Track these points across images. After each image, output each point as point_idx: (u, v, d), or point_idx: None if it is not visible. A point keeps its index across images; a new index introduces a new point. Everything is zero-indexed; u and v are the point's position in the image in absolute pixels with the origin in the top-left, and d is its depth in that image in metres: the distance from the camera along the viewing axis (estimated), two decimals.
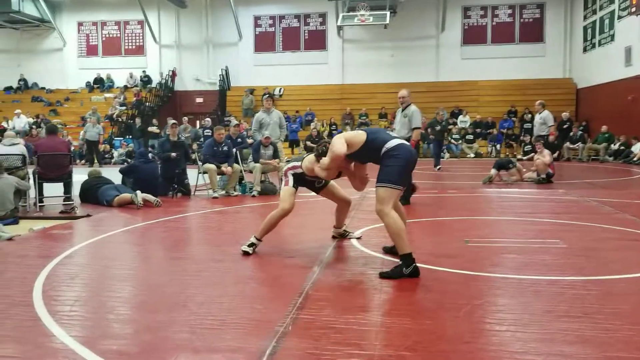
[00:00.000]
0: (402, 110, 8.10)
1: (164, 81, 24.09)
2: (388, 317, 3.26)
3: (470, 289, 3.82)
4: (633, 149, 16.32)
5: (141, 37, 25.04)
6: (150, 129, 20.20)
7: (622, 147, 16.85)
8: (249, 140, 10.85)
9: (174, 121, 10.37)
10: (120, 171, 9.62)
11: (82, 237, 5.90)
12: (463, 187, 10.38)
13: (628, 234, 5.72)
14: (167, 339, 2.95)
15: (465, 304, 3.47)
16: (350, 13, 21.01)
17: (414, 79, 22.49)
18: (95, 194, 8.34)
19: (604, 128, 17.76)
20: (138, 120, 20.47)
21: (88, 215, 7.27)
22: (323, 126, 21.07)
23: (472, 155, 19.74)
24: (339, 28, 22.80)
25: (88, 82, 24.89)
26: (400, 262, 4.08)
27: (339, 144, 4.29)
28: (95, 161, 17.96)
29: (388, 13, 20.63)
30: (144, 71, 24.59)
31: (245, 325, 3.13)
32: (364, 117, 21.71)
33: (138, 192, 8.05)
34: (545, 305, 3.44)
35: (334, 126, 21.39)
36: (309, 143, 19.55)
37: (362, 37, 23.40)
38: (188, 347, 2.83)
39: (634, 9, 16.14)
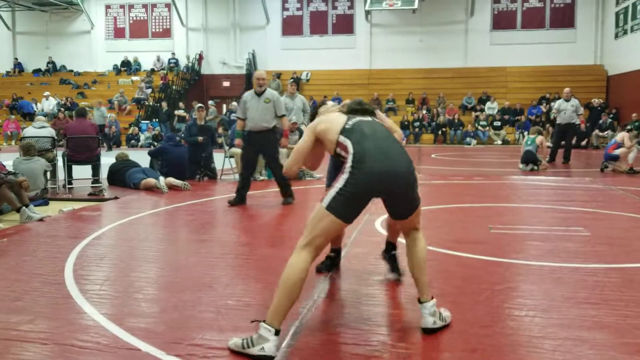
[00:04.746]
0: (259, 95, 6.86)
1: (190, 64, 24.25)
2: (410, 301, 3.31)
3: (492, 275, 3.84)
4: None
5: (168, 20, 25.19)
6: (177, 112, 20.43)
7: (629, 135, 16.42)
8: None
9: (200, 105, 10.48)
10: (149, 154, 9.79)
11: (110, 219, 6.06)
12: (489, 174, 10.29)
13: None
14: (193, 317, 3.05)
15: (486, 289, 3.50)
16: None
17: (442, 64, 22.30)
18: (122, 176, 8.52)
19: (634, 116, 17.36)
20: (164, 104, 20.72)
21: (116, 198, 7.44)
22: None
23: (500, 142, 19.50)
24: (367, 12, 22.61)
25: (115, 64, 25.18)
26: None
27: None
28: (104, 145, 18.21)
29: None
30: (173, 54, 24.79)
31: (269, 306, 3.20)
32: (391, 103, 21.58)
33: (161, 177, 8.20)
34: (565, 292, 3.45)
35: None
36: None
37: (390, 22, 23.16)
38: (213, 325, 2.93)
39: None
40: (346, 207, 2.68)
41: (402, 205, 2.87)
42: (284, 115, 7.03)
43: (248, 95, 6.96)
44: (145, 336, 2.79)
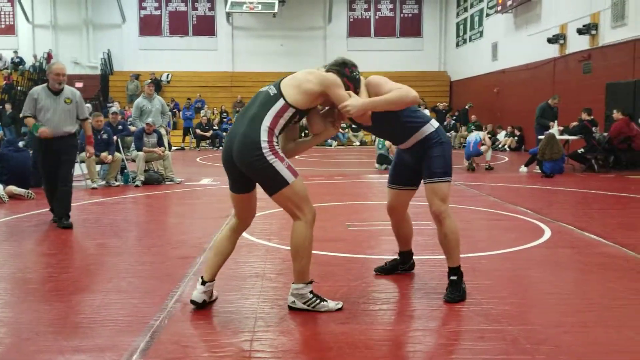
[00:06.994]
0: (57, 93, 5.70)
1: (38, 64, 22.36)
2: (267, 303, 3.28)
3: (349, 272, 3.95)
4: (498, 137, 17.74)
5: (11, 16, 23.05)
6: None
7: (489, 136, 18.15)
8: (132, 128, 10.39)
9: None
10: None
11: None
12: (348, 174, 10.67)
13: (492, 215, 6.20)
14: (30, 340, 2.76)
15: (343, 286, 3.58)
16: (239, 0, 20.75)
17: (302, 68, 22.57)
18: None
19: (473, 118, 19.10)
20: (8, 106, 18.89)
21: None
22: (213, 113, 20.68)
23: (358, 143, 20.39)
24: (228, 14, 22.45)
25: None
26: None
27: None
28: None
29: (277, 2, 20.71)
30: (15, 52, 22.63)
31: (117, 322, 3.00)
32: None
33: (0, 185, 7.44)
34: (415, 283, 3.65)
35: (224, 114, 21.07)
36: (198, 131, 19.13)
37: (251, 25, 23.21)
38: (52, 348, 2.67)
39: (499, 8, 17.44)
40: (228, 180, 3.19)
41: (259, 183, 3.09)
42: (87, 119, 6.04)
43: (41, 92, 5.69)
44: None
